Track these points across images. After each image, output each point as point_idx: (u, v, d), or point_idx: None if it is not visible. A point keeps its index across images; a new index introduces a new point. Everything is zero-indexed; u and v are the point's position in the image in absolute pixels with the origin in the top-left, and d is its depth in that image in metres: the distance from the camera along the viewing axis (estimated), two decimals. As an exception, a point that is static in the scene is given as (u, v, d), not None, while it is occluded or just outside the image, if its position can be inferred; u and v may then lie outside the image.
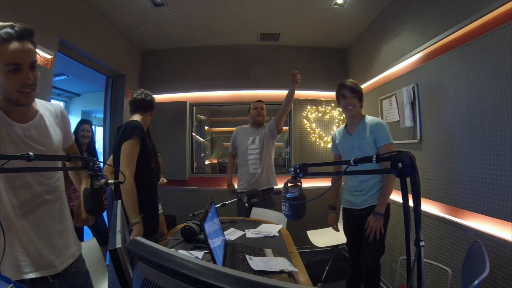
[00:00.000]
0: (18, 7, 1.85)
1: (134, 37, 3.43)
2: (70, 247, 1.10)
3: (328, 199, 2.12)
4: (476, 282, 1.13)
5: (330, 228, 3.11)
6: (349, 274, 2.09)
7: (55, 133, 1.10)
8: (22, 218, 0.95)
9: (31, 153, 0.82)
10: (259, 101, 2.81)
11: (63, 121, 1.16)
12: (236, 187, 2.74)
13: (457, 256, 1.73)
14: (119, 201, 0.94)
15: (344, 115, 3.70)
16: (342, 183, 2.15)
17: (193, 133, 3.84)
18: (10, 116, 0.94)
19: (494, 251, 1.46)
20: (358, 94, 1.89)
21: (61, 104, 8.06)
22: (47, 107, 1.11)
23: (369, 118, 1.90)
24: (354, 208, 1.91)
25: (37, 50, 0.97)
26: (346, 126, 2.02)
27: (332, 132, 2.17)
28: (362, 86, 3.29)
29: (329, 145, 3.65)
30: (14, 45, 0.87)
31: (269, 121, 2.74)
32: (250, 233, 1.87)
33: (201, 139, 4.11)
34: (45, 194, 1.02)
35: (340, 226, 2.14)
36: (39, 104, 1.08)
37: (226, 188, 2.83)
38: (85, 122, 2.70)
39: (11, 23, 0.88)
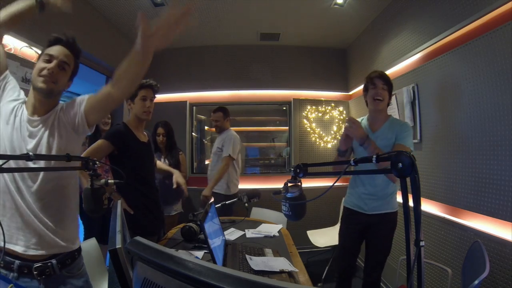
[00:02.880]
0: (18, 7, 1.84)
1: (134, 37, 3.41)
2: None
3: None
4: (476, 282, 1.13)
5: (330, 228, 3.14)
6: (337, 278, 1.88)
7: (67, 130, 1.13)
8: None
9: (30, 153, 0.83)
10: (215, 111, 2.90)
11: (67, 108, 1.15)
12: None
13: (457, 256, 1.73)
14: (119, 201, 0.94)
15: (343, 115, 3.71)
16: (347, 183, 1.97)
17: (193, 133, 3.84)
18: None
19: (494, 251, 1.46)
20: (390, 87, 1.71)
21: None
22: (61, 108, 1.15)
23: (396, 119, 1.77)
24: (360, 211, 1.75)
25: (36, 50, 1.00)
26: (368, 120, 1.81)
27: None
28: (362, 86, 3.31)
29: (330, 145, 3.66)
30: (56, 46, 1.09)
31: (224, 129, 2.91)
32: (250, 233, 1.87)
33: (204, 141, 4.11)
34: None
35: (336, 228, 2.00)
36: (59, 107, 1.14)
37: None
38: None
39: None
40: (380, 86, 1.68)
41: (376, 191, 1.71)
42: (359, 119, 1.87)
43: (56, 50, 1.08)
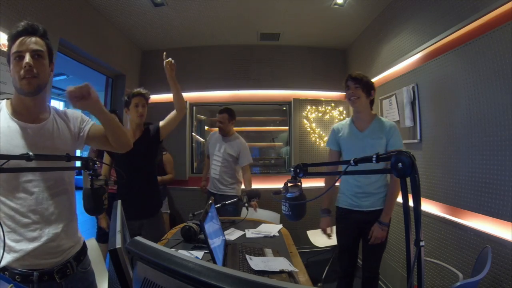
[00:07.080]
0: (18, 7, 1.85)
1: (134, 37, 3.43)
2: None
3: (321, 201, 1.95)
4: (469, 280, 1.12)
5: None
6: (339, 278, 1.93)
7: (67, 136, 1.12)
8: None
9: (30, 153, 0.82)
10: (221, 112, 2.73)
11: (68, 116, 1.15)
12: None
13: (457, 256, 1.73)
14: (119, 201, 0.94)
15: (343, 115, 3.71)
16: (338, 183, 1.96)
17: (193, 133, 3.84)
18: (22, 118, 0.99)
19: (494, 251, 1.45)
20: (363, 84, 1.76)
21: (61, 104, 8.04)
22: (57, 111, 1.13)
23: (385, 119, 1.82)
24: (356, 209, 1.79)
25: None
26: (353, 121, 1.87)
27: (333, 126, 1.95)
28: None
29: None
30: (20, 39, 0.94)
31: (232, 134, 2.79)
32: (250, 233, 1.87)
33: (201, 139, 4.11)
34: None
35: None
36: (53, 109, 1.11)
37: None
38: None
39: (26, 22, 0.96)
40: (352, 87, 1.78)
41: (367, 188, 1.76)
42: (342, 122, 1.95)
43: (20, 42, 0.94)
